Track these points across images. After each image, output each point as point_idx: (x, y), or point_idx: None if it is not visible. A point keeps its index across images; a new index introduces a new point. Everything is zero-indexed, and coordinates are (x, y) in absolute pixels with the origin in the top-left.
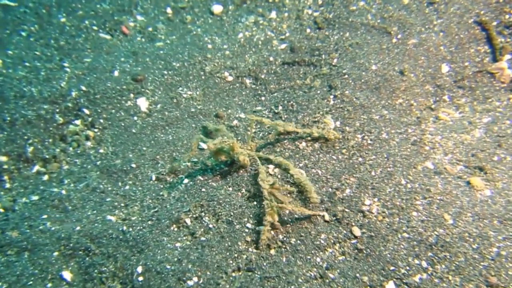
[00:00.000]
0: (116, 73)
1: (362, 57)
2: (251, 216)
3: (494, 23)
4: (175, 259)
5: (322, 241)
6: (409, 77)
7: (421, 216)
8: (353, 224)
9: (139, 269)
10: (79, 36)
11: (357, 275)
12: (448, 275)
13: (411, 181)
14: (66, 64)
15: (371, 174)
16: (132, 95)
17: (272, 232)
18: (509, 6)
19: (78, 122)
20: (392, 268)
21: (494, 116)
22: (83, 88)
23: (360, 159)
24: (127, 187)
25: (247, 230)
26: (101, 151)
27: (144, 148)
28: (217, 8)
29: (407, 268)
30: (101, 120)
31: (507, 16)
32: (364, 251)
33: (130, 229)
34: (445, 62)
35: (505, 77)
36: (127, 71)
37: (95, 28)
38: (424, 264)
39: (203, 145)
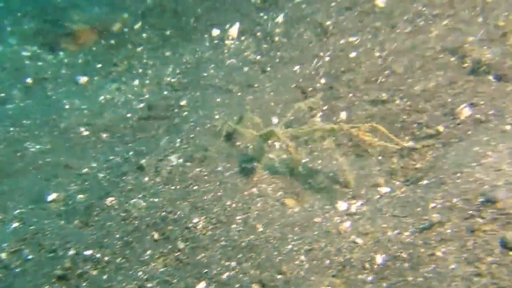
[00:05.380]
0: None
1: (208, 109)
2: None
3: (310, 89)
4: None
5: (147, 257)
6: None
7: (239, 228)
8: (179, 239)
9: None
10: None
11: (174, 281)
12: (251, 270)
13: (236, 202)
14: None
15: (202, 198)
16: None
17: None
18: (318, 77)
19: None
20: (205, 270)
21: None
22: None
23: (195, 187)
24: None
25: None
26: None
27: None
28: (82, 79)
29: (218, 269)
30: None
31: (318, 85)
32: (185, 261)
33: None
34: (275, 116)
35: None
36: None
37: None
38: (233, 264)
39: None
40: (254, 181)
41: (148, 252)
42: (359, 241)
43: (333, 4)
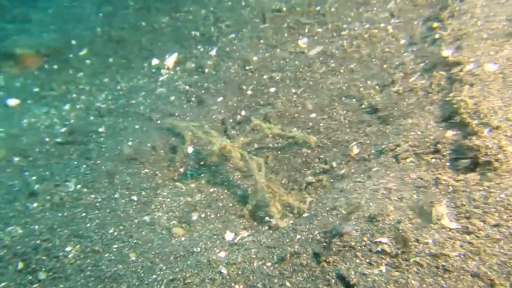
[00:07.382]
0: None
1: (123, 135)
2: None
3: (231, 120)
4: None
5: None
6: (159, 153)
7: (111, 257)
8: (43, 269)
9: None
10: None
11: None
12: None
13: (120, 231)
14: None
15: (86, 226)
16: None
17: None
18: (239, 110)
19: None
20: None
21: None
22: None
23: (83, 214)
24: None
25: None
26: None
27: None
28: (13, 102)
29: None
30: None
31: (238, 117)
32: None
33: None
34: (192, 145)
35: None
36: None
37: None
38: None
39: None
40: (151, 209)
41: (3, 284)
42: (224, 271)
43: (262, 41)
